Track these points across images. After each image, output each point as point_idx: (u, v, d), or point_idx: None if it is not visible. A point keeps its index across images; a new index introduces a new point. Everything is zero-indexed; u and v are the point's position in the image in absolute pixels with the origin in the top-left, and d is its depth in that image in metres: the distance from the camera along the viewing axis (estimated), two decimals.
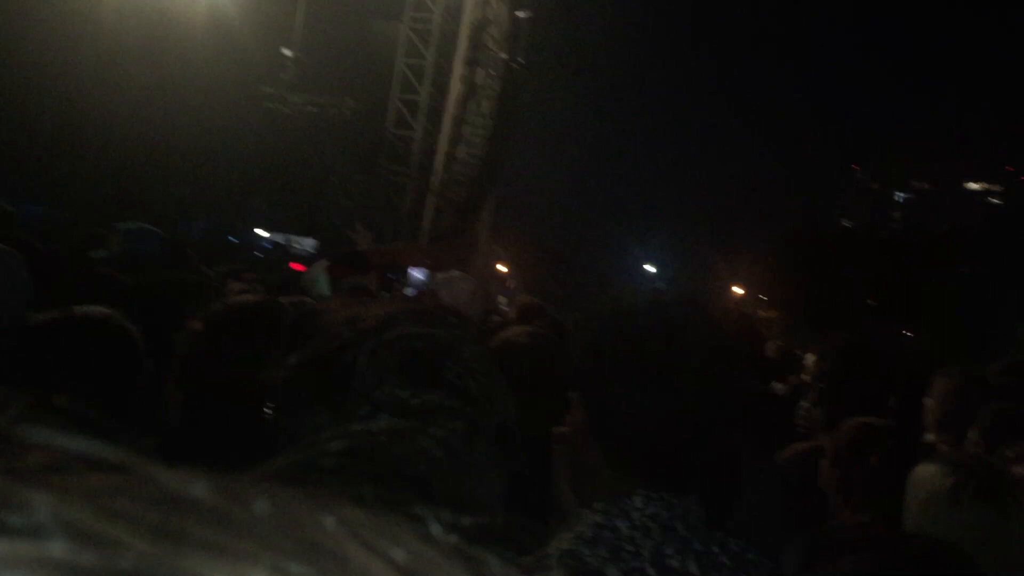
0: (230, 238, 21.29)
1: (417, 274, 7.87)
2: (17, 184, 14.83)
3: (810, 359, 6.52)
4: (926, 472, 1.92)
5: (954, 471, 1.88)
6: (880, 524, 2.00)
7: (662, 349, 1.34)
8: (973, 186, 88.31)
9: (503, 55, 21.16)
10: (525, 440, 0.88)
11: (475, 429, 0.79)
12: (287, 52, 22.00)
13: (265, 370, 0.87)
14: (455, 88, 22.14)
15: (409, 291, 6.90)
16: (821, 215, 64.27)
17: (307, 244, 21.62)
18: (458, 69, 22.10)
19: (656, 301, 1.45)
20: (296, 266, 12.73)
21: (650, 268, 53.93)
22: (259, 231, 23.36)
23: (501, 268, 42.06)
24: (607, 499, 1.29)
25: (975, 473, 1.87)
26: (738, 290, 51.55)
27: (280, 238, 22.49)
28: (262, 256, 19.05)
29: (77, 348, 1.74)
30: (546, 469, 1.56)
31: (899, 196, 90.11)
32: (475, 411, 0.79)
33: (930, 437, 3.21)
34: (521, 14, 21.59)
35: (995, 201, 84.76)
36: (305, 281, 5.95)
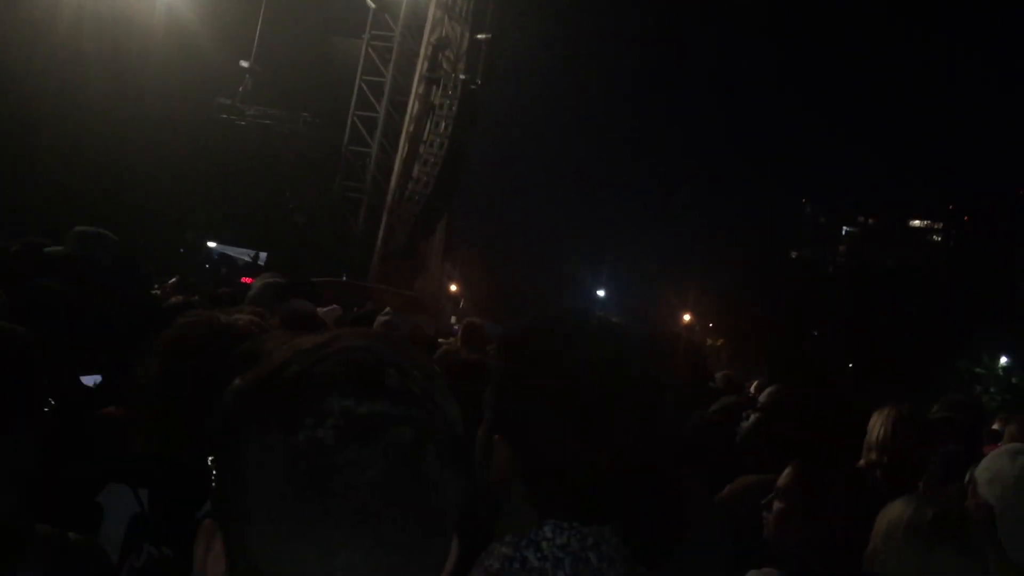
0: (180, 248, 21.01)
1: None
2: None
3: (755, 388, 6.59)
4: (892, 508, 1.97)
5: (914, 505, 1.94)
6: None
7: (599, 385, 1.30)
8: (916, 223, 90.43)
9: (462, 76, 21.23)
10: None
11: (424, 437, 0.79)
12: (244, 64, 21.81)
13: (209, 401, 0.88)
14: (412, 106, 22.16)
15: None
16: (770, 247, 65.15)
17: (253, 256, 21.41)
18: (416, 88, 22.13)
19: (582, 327, 1.39)
20: (247, 279, 12.61)
21: (600, 293, 54.18)
22: (210, 243, 23.05)
23: (453, 288, 41.99)
24: (516, 530, 1.26)
25: (934, 508, 1.92)
26: (687, 317, 52.03)
27: (230, 251, 22.23)
28: (208, 267, 18.81)
29: None
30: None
31: (845, 230, 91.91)
32: (423, 419, 0.79)
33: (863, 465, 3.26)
34: (481, 36, 21.71)
35: (937, 239, 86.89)
36: (250, 296, 5.89)
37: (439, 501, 0.80)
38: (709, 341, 50.08)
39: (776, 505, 2.33)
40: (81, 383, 3.42)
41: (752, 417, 3.47)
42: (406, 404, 0.79)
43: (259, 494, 0.77)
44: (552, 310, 1.46)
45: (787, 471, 2.35)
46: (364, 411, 0.77)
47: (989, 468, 2.30)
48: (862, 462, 3.26)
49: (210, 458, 0.84)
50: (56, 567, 1.55)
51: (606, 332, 1.38)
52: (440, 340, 6.71)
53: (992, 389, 41.77)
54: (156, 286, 6.60)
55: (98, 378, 3.51)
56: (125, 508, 1.88)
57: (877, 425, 3.31)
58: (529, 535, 1.24)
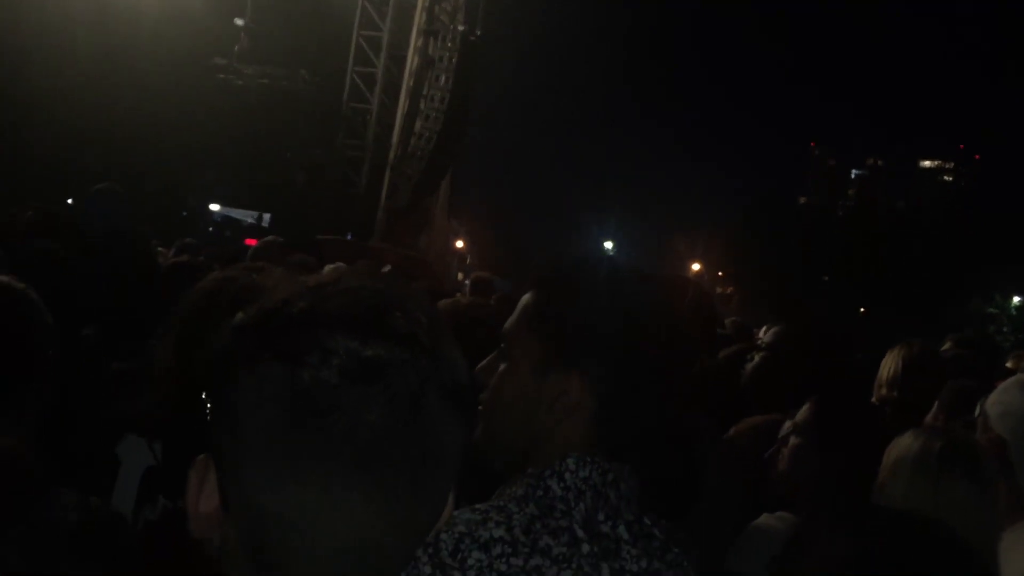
0: (183, 212, 20.96)
1: None
2: None
3: (764, 333, 6.53)
4: (900, 441, 1.96)
5: (923, 437, 1.93)
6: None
7: (647, 324, 1.33)
8: (927, 163, 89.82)
9: (460, 27, 20.90)
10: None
11: (427, 382, 0.78)
12: (239, 22, 21.54)
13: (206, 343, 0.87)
14: (412, 60, 21.88)
15: None
16: (779, 192, 64.90)
17: (257, 218, 21.37)
18: (415, 41, 21.84)
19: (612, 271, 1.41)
20: (250, 241, 12.57)
21: (608, 244, 54.14)
22: (213, 206, 23.00)
23: (459, 244, 41.99)
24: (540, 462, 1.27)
25: (943, 439, 1.91)
26: (696, 266, 51.97)
27: (233, 213, 22.18)
28: (212, 230, 18.78)
29: None
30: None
31: (855, 172, 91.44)
32: (426, 364, 0.79)
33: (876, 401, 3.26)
34: None
35: (947, 179, 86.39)
36: (252, 255, 5.85)
37: (440, 447, 0.80)
38: (719, 289, 50.11)
39: (793, 440, 2.32)
40: (80, 337, 3.46)
41: (757, 356, 3.39)
42: (411, 348, 0.79)
43: (257, 430, 0.76)
44: (570, 256, 1.47)
45: (805, 406, 2.34)
46: (369, 353, 0.77)
47: (1000, 401, 2.26)
48: (874, 399, 3.25)
49: (203, 394, 0.83)
50: (79, 536, 1.56)
51: (632, 275, 1.41)
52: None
53: (1005, 328, 41.90)
54: (160, 249, 6.57)
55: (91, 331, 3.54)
56: (140, 460, 1.92)
57: (889, 362, 3.36)
58: (553, 465, 1.25)
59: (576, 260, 1.45)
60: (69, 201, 13.97)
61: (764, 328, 7.39)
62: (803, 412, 2.33)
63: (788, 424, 2.36)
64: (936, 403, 2.90)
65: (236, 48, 21.80)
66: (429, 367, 0.79)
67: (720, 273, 56.68)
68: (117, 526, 1.68)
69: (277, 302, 0.81)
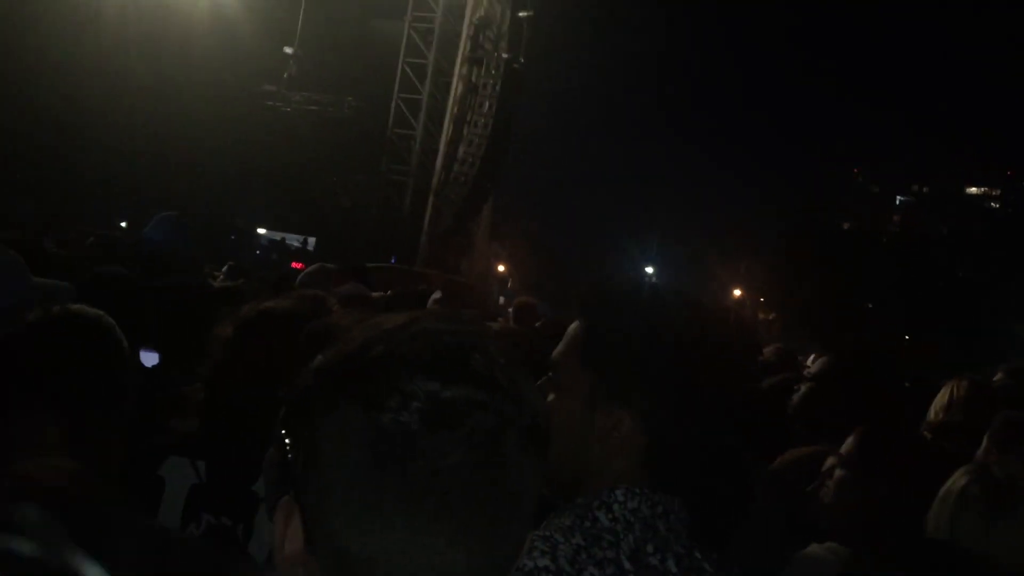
0: (231, 235, 21.27)
1: None
2: (12, 179, 14.81)
3: (811, 362, 6.49)
4: (953, 477, 1.93)
5: (970, 473, 1.89)
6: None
7: (695, 351, 1.31)
8: (973, 190, 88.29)
9: (504, 55, 21.11)
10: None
11: (506, 423, 0.79)
12: (289, 50, 21.95)
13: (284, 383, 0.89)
14: (456, 87, 22.12)
15: None
16: (821, 217, 64.13)
17: (303, 242, 21.61)
18: (459, 69, 22.08)
19: (664, 300, 1.40)
20: (297, 265, 12.73)
21: (649, 269, 53.86)
22: (260, 229, 23.32)
23: (500, 268, 42.03)
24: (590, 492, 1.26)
25: (987, 475, 1.88)
26: (737, 292, 51.52)
27: (278, 236, 22.47)
28: (259, 253, 19.03)
29: (64, 347, 1.71)
30: None
31: (899, 199, 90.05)
32: (505, 405, 0.80)
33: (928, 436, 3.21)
34: (522, 14, 21.55)
35: (994, 205, 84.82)
36: (301, 279, 5.95)
37: (519, 487, 0.81)
38: (760, 315, 49.61)
39: (838, 472, 2.29)
40: (142, 362, 3.54)
41: (804, 387, 3.40)
42: (490, 389, 0.80)
43: (341, 474, 0.77)
44: (615, 283, 1.46)
45: (851, 438, 2.31)
46: (449, 395, 0.78)
47: None
48: (925, 432, 3.21)
49: (285, 436, 0.84)
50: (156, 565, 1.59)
51: (678, 304, 1.39)
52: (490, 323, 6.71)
53: None
54: (211, 273, 6.70)
55: (155, 357, 3.60)
56: (184, 479, 1.99)
57: (942, 395, 3.28)
58: (601, 496, 1.24)
59: (621, 288, 1.44)
60: (123, 224, 14.27)
61: (811, 357, 7.36)
62: (848, 444, 2.30)
63: (830, 460, 2.34)
64: (986, 436, 2.87)
65: (285, 76, 22.18)
66: (508, 408, 0.80)
67: (762, 299, 56.12)
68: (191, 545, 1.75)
69: (356, 346, 0.82)
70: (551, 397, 1.33)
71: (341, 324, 1.82)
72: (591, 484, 1.28)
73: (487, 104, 21.37)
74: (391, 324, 0.84)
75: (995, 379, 4.24)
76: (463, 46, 21.99)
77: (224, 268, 7.35)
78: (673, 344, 1.30)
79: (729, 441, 1.37)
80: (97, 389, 1.72)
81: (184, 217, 5.35)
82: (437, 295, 6.35)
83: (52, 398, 1.65)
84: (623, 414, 1.28)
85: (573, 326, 1.38)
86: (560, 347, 1.38)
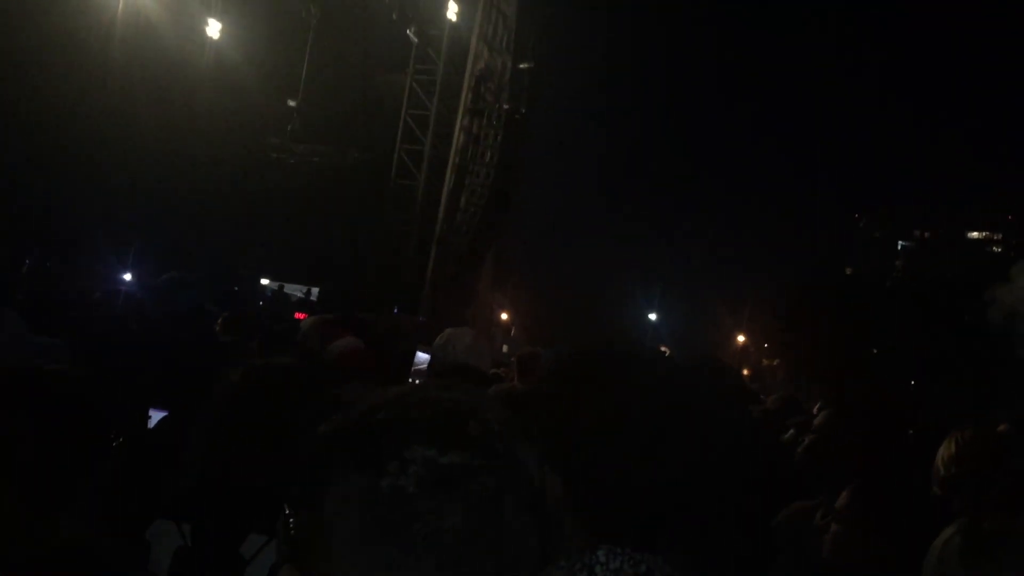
0: (234, 287, 21.30)
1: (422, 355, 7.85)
2: (13, 231, 14.88)
3: (817, 412, 6.46)
4: (944, 531, 1.90)
5: (963, 527, 1.87)
6: None
7: (651, 411, 1.30)
8: (975, 235, 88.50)
9: (505, 105, 21.32)
10: None
11: (503, 487, 0.81)
12: (292, 103, 22.19)
13: (294, 442, 0.94)
14: (458, 138, 22.30)
15: (417, 368, 6.85)
16: (825, 264, 64.27)
17: (306, 292, 21.64)
18: (461, 120, 22.28)
19: (631, 355, 1.40)
20: (300, 315, 12.72)
21: (652, 316, 53.80)
22: (263, 280, 23.37)
23: (504, 316, 42.02)
24: (570, 554, 1.26)
25: (971, 531, 1.86)
26: (741, 339, 51.43)
27: (276, 286, 22.52)
28: (262, 304, 19.05)
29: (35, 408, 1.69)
30: None
31: (901, 244, 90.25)
32: (502, 469, 0.82)
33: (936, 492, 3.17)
34: (524, 65, 21.80)
35: (996, 250, 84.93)
36: (301, 332, 5.92)
37: (517, 549, 0.82)
38: (764, 361, 49.48)
39: (833, 527, 2.31)
40: (146, 420, 3.53)
41: (807, 439, 3.39)
42: (486, 455, 0.82)
43: (340, 537, 0.79)
44: (600, 339, 1.47)
45: (844, 493, 2.34)
46: (446, 461, 0.80)
47: None
48: (935, 488, 3.18)
49: (286, 503, 0.86)
50: None
51: (655, 360, 1.41)
52: (493, 371, 6.68)
53: None
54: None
55: (165, 414, 3.60)
56: (169, 542, 1.97)
57: (947, 446, 3.24)
58: (583, 559, 1.24)
59: (584, 350, 1.44)
60: (127, 277, 14.32)
61: (817, 406, 7.33)
62: (842, 499, 2.32)
63: (819, 514, 2.35)
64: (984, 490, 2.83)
65: (289, 128, 22.41)
66: (505, 472, 0.82)
67: (766, 344, 56.00)
68: None
69: (359, 414, 0.85)
70: None
71: (347, 395, 1.81)
72: (572, 544, 1.27)
73: (489, 154, 21.53)
74: (394, 394, 0.87)
75: (1000, 429, 4.21)
76: (464, 97, 22.20)
77: (219, 320, 7.32)
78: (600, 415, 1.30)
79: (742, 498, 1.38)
80: (82, 455, 1.70)
81: (188, 276, 5.33)
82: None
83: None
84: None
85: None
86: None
